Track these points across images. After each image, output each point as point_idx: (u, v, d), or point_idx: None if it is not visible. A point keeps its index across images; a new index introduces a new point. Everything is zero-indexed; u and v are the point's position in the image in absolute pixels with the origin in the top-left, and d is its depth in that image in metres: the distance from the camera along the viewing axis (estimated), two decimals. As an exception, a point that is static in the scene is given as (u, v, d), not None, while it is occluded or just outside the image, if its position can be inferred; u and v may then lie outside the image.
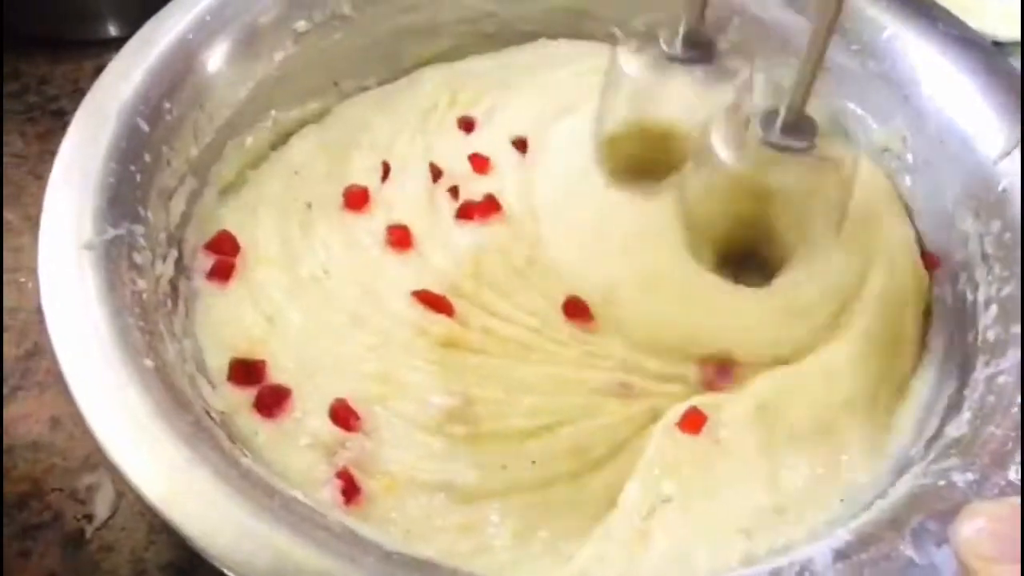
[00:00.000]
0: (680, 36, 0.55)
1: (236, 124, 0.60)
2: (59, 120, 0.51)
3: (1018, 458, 0.44)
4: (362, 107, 0.66)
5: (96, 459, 0.53)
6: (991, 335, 0.51)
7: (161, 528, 0.52)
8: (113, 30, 0.78)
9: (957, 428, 0.48)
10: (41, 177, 0.49)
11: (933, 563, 0.40)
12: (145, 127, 0.54)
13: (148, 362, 0.45)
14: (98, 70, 0.54)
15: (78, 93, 0.53)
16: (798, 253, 0.56)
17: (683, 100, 0.56)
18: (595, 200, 0.59)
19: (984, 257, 0.54)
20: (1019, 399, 0.47)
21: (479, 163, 0.62)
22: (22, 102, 0.75)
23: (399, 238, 0.58)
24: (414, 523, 0.49)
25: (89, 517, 0.55)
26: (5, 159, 0.71)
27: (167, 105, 0.55)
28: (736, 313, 0.55)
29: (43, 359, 0.44)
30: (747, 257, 0.57)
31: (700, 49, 0.55)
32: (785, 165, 0.51)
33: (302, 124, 0.65)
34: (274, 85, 0.62)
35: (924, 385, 0.54)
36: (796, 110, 0.49)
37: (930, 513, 0.42)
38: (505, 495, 0.50)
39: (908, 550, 0.41)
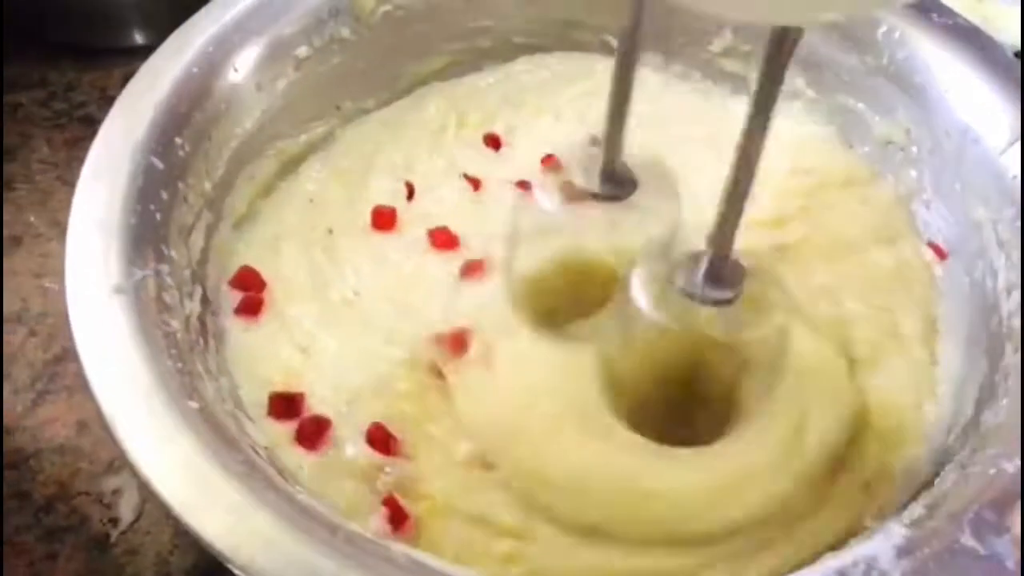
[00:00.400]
0: (599, 171, 0.49)
1: (244, 155, 0.60)
2: (87, 127, 0.53)
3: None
4: (367, 131, 0.66)
5: (121, 463, 0.54)
6: (1016, 322, 0.52)
7: (186, 531, 0.50)
8: (140, 38, 0.80)
9: (995, 415, 0.48)
10: (68, 183, 0.52)
11: (996, 552, 0.41)
12: (160, 164, 0.53)
13: (192, 404, 0.45)
14: (126, 77, 0.55)
15: (105, 100, 0.56)
16: (732, 418, 0.50)
17: (605, 238, 0.51)
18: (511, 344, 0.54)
19: (1000, 244, 0.55)
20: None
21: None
22: (50, 109, 0.76)
23: (443, 239, 0.59)
24: (461, 547, 0.48)
25: (114, 520, 0.55)
26: (33, 165, 0.72)
27: (179, 140, 0.55)
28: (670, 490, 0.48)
29: (71, 363, 0.45)
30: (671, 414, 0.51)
31: (620, 184, 0.49)
32: (709, 317, 0.44)
33: (307, 150, 0.65)
34: (278, 113, 0.62)
35: (953, 372, 0.55)
36: (720, 256, 0.43)
37: (984, 503, 0.43)
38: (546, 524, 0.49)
39: (970, 541, 0.41)
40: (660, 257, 0.46)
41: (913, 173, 0.63)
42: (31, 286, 0.65)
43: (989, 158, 0.57)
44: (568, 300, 0.54)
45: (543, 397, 0.51)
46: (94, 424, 0.58)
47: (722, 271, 0.43)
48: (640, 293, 0.45)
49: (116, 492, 0.56)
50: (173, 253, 0.52)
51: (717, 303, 0.44)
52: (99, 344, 0.45)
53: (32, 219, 0.69)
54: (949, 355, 0.57)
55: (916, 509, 0.45)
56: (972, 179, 0.58)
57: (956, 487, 0.45)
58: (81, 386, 0.41)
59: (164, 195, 0.53)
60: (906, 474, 0.52)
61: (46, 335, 0.63)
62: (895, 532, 0.43)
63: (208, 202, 0.56)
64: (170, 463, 0.42)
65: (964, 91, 0.59)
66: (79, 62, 0.79)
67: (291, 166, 0.64)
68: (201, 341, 0.51)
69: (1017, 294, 0.53)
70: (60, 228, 0.49)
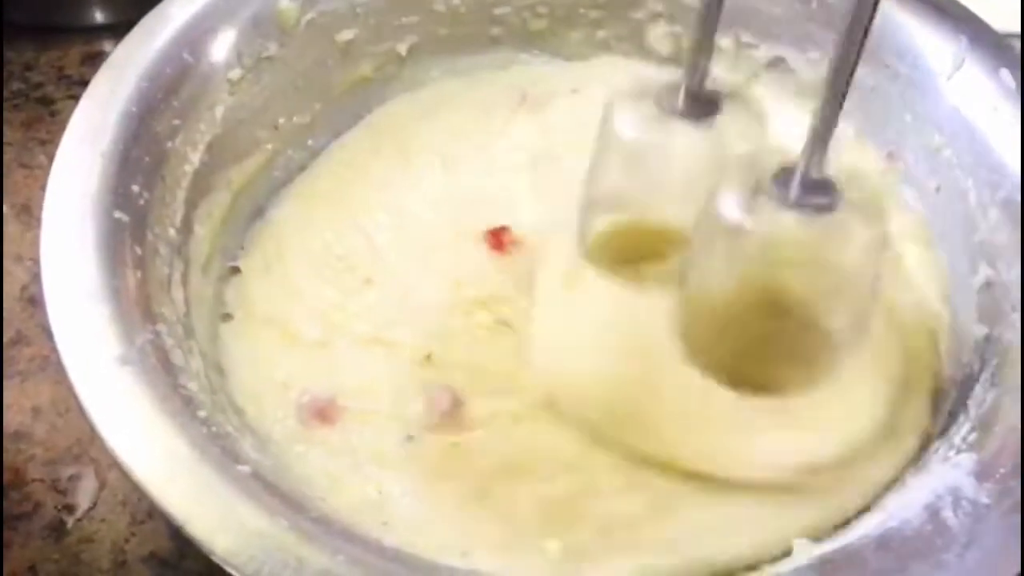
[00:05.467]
0: (681, 95, 0.47)
1: (198, 192, 0.55)
2: (44, 108, 0.51)
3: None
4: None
5: (78, 449, 0.55)
6: (999, 237, 0.54)
7: (143, 519, 0.53)
8: (100, 16, 0.76)
9: (1011, 331, 0.50)
10: (26, 165, 0.50)
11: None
12: (125, 218, 0.49)
13: (243, 468, 0.41)
14: (84, 57, 0.54)
15: (64, 80, 0.56)
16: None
17: (688, 162, 0.48)
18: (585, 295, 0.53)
19: (962, 167, 0.57)
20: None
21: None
22: (7, 89, 0.72)
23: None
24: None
25: (70, 508, 0.54)
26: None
27: (135, 188, 0.50)
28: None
29: (26, 347, 0.45)
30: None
31: (705, 105, 0.47)
32: (805, 230, 0.42)
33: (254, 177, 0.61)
34: (221, 142, 0.57)
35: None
36: (815, 166, 0.42)
37: (1034, 413, 0.45)
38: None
39: (1042, 454, 0.43)
40: (748, 169, 0.44)
41: (859, 113, 0.64)
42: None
43: (936, 86, 0.59)
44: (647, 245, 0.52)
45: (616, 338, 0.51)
46: (48, 410, 0.57)
47: (817, 181, 0.42)
48: (727, 201, 0.43)
49: (72, 479, 0.55)
50: (164, 310, 0.48)
51: (813, 208, 0.42)
52: (122, 423, 0.41)
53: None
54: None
55: (965, 432, 0.47)
56: (922, 109, 0.60)
57: (999, 403, 0.47)
58: (36, 371, 0.44)
59: (138, 250, 0.48)
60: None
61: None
62: (961, 459, 0.45)
63: (175, 249, 0.52)
64: (243, 539, 0.38)
65: (900, 22, 0.61)
66: (37, 41, 0.75)
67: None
68: (215, 398, 0.47)
69: (994, 212, 0.55)
70: (17, 210, 0.49)
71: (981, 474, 0.43)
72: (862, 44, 0.38)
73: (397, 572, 0.39)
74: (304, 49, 0.63)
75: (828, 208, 0.42)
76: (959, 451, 0.46)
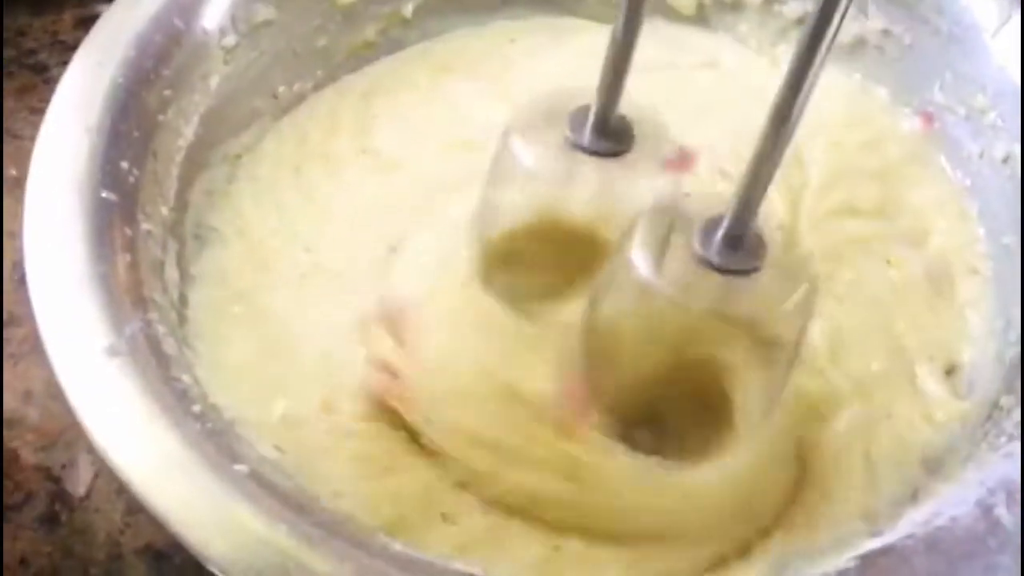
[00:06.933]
0: (589, 124, 0.43)
1: (193, 168, 0.52)
2: (38, 75, 0.48)
3: None
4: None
5: (71, 435, 0.52)
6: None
7: (138, 508, 0.49)
8: None
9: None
10: (18, 136, 0.47)
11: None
12: (113, 197, 0.46)
13: (240, 467, 0.38)
14: (79, 21, 0.49)
15: (58, 46, 0.53)
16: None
17: (597, 200, 0.45)
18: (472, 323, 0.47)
19: (1008, 131, 0.54)
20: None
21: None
22: None
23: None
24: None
25: (63, 497, 0.52)
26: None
27: (124, 165, 0.47)
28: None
29: (18, 328, 0.42)
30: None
31: (614, 139, 0.43)
32: (723, 292, 0.38)
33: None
34: (216, 114, 0.54)
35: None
36: (742, 222, 0.37)
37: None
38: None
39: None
40: (665, 218, 0.40)
41: (894, 73, 0.60)
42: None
43: (981, 42, 0.55)
44: (542, 272, 0.48)
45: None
46: (42, 394, 0.54)
47: (742, 239, 0.37)
48: (641, 257, 0.38)
49: (65, 467, 0.52)
50: (156, 296, 0.45)
51: (736, 273, 0.38)
52: (111, 420, 0.39)
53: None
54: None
55: (1017, 417, 0.44)
56: (964, 68, 0.56)
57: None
58: (26, 352, 0.41)
59: (128, 231, 0.45)
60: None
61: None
62: (1013, 448, 0.41)
63: (169, 228, 0.49)
64: (240, 545, 0.36)
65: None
66: (31, 6, 0.70)
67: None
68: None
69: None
70: (8, 184, 0.46)
71: (1036, 464, 0.40)
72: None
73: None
74: (303, 13, 0.59)
75: (747, 272, 0.38)
76: (1011, 438, 0.42)
